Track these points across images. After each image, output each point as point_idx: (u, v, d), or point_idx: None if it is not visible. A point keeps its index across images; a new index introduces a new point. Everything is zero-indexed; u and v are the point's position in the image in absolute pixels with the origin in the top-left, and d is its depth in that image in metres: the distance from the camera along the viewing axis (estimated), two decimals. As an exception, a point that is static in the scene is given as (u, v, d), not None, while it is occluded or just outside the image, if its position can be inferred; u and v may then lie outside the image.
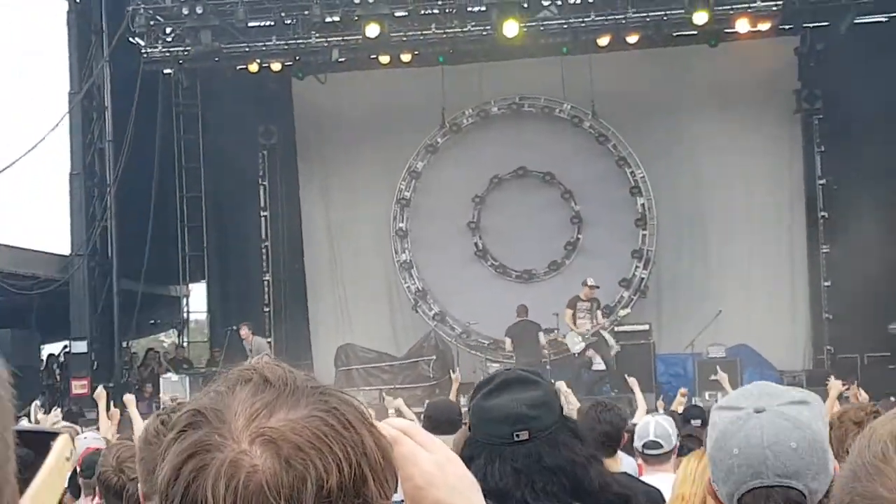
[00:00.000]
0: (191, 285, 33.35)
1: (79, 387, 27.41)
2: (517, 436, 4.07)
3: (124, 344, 29.68)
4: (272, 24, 27.88)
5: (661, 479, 7.92)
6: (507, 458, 4.05)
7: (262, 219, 31.66)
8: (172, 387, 25.75)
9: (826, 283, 28.95)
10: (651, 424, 8.76)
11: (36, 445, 1.78)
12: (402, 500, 1.86)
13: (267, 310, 31.22)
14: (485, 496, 4.03)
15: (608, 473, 4.29)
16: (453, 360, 27.95)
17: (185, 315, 33.80)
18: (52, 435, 1.84)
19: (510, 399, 4.11)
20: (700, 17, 26.11)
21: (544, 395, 4.18)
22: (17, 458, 1.56)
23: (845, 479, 2.24)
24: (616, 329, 27.36)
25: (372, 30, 26.33)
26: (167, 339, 40.65)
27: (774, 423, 2.99)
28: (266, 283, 31.59)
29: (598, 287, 26.77)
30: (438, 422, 8.60)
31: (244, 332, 27.03)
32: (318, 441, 1.58)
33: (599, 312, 26.76)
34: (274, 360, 1.72)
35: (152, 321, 34.60)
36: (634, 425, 9.28)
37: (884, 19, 28.21)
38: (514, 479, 4.00)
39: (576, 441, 4.19)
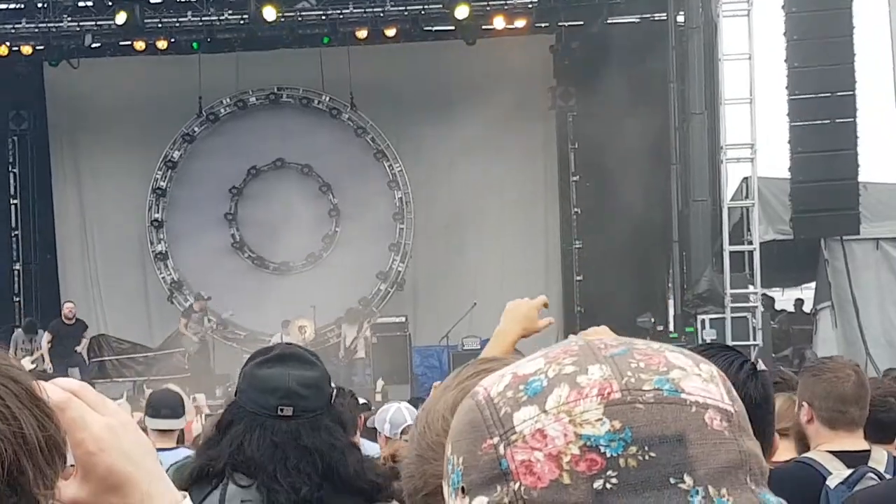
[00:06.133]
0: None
1: None
2: (281, 410, 4.09)
3: None
4: (22, 6, 27.08)
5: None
6: (268, 429, 4.08)
7: (13, 207, 30.79)
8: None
9: (578, 278, 29.44)
10: (403, 410, 8.94)
11: None
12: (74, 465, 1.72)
13: (17, 299, 30.44)
14: (235, 466, 4.04)
15: (369, 462, 4.33)
16: (209, 352, 27.65)
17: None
18: None
19: (283, 373, 4.12)
20: (461, 12, 26.19)
21: (319, 377, 4.20)
22: None
23: (414, 465, 2.21)
24: (375, 321, 27.45)
25: (120, 17, 25.99)
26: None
27: None
28: (16, 272, 30.77)
29: (208, 299, 27.50)
30: (158, 409, 8.63)
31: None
32: None
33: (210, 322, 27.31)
34: None
35: None
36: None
37: (636, 20, 28.84)
38: (270, 453, 4.03)
39: (338, 427, 4.24)
